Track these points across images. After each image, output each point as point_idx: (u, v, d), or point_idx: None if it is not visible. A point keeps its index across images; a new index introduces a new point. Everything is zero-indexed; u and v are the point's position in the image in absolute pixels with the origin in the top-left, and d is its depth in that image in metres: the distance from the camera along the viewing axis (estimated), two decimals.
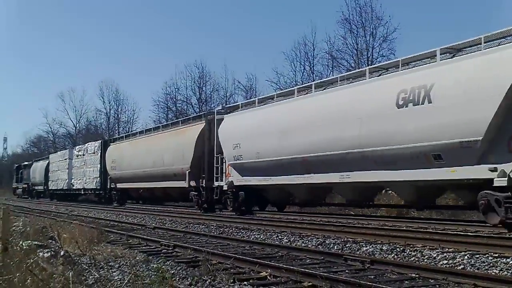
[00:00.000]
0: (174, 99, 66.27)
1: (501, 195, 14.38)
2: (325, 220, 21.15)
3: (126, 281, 8.00)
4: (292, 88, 26.06)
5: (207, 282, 9.15)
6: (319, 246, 14.21)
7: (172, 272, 10.27)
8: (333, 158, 19.70)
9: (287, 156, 22.01)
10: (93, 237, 14.75)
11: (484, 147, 14.76)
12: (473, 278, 8.51)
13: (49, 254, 11.59)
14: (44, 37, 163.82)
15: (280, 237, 16.37)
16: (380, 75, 19.16)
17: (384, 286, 7.89)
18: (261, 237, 16.66)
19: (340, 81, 21.25)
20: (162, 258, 12.12)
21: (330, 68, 49.02)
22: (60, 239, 13.99)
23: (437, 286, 8.46)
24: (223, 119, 27.36)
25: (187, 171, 29.96)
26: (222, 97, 62.03)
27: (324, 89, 21.82)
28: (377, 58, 46.00)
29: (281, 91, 29.23)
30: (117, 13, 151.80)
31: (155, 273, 9.83)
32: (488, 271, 9.78)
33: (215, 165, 27.60)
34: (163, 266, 10.92)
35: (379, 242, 13.84)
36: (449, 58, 16.54)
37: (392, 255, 12.27)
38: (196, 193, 29.84)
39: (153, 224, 21.28)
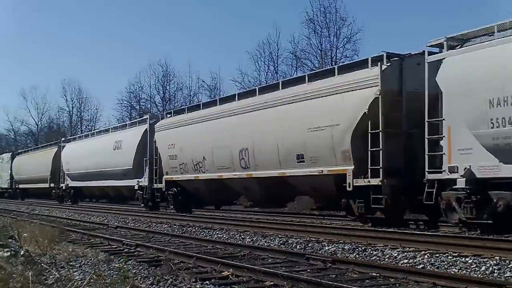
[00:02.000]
0: (138, 98, 66.04)
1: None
2: (288, 220, 21.25)
3: (87, 281, 7.93)
4: (90, 132, 50.79)
5: (169, 281, 9.12)
6: (282, 245, 14.26)
7: (134, 271, 10.22)
8: (99, 172, 36.86)
9: (87, 170, 38.75)
10: (54, 237, 14.55)
11: (134, 171, 31.88)
12: (433, 277, 8.62)
13: (9, 253, 11.45)
14: (4, 33, 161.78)
15: (243, 236, 16.40)
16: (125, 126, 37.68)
17: (345, 285, 7.94)
18: (224, 236, 16.68)
19: (104, 131, 42.05)
20: (124, 257, 12.04)
21: (294, 68, 49.28)
22: (20, 238, 13.82)
23: (397, 285, 8.54)
24: (65, 146, 45.12)
25: (48, 177, 47.59)
26: (186, 96, 62.05)
27: (99, 134, 42.20)
28: (341, 58, 46.36)
29: (88, 132, 52.08)
30: (81, 10, 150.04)
31: (116, 272, 9.78)
32: (448, 270, 9.93)
33: (60, 174, 45.09)
34: (125, 266, 10.87)
35: (342, 241, 13.94)
36: (126, 129, 35.82)
37: (354, 254, 12.37)
38: (54, 190, 47.43)
39: (116, 223, 21.16)
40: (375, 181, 16.58)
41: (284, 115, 20.18)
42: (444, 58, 15.08)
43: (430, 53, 15.59)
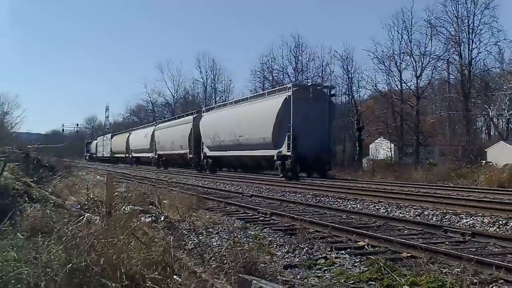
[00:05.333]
0: (271, 69, 66.47)
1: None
2: (423, 191, 20.79)
3: (225, 247, 8.11)
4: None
5: (304, 250, 9.18)
6: (417, 217, 14.02)
7: (270, 239, 10.36)
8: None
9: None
10: (192, 204, 15.01)
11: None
12: None
13: (150, 219, 11.92)
14: (140, 16, 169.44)
15: (377, 207, 16.24)
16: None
17: (487, 259, 7.67)
18: (358, 206, 16.57)
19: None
20: (259, 225, 12.24)
21: (429, 37, 47.87)
22: (160, 205, 14.32)
23: None
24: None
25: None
26: (318, 67, 61.83)
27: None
28: (479, 25, 44.55)
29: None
30: None
31: (253, 240, 9.94)
32: None
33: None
34: (261, 234, 11.04)
35: (480, 214, 13.49)
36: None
37: (494, 228, 11.94)
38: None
39: (250, 192, 21.47)
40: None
41: None
42: (204, 116, 45.51)
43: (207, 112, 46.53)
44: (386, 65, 50.89)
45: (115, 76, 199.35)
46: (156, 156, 58.17)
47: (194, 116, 47.79)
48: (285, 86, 35.03)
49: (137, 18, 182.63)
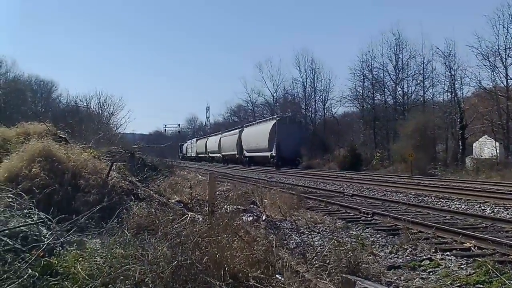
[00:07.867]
0: (370, 67, 65.57)
1: None
2: None
3: (327, 247, 8.09)
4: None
5: (407, 250, 9.04)
6: None
7: (372, 239, 10.25)
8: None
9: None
10: (292, 203, 15.04)
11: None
12: None
13: (252, 218, 12.02)
14: (237, 17, 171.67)
15: (482, 207, 15.78)
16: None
17: None
18: (463, 207, 16.15)
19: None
20: (361, 225, 12.13)
21: None
22: (261, 204, 14.41)
23: None
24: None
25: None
26: (419, 64, 60.44)
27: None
28: None
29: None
30: None
31: (354, 240, 9.85)
32: None
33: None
34: (362, 233, 10.94)
35: None
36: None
37: None
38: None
39: (351, 192, 21.32)
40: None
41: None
42: (243, 130, 72.79)
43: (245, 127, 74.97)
44: (491, 61, 49.00)
45: (216, 77, 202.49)
46: (222, 156, 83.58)
47: (240, 129, 74.57)
48: (274, 117, 65.12)
49: (234, 19, 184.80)
